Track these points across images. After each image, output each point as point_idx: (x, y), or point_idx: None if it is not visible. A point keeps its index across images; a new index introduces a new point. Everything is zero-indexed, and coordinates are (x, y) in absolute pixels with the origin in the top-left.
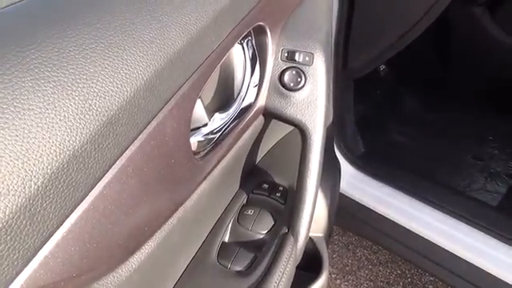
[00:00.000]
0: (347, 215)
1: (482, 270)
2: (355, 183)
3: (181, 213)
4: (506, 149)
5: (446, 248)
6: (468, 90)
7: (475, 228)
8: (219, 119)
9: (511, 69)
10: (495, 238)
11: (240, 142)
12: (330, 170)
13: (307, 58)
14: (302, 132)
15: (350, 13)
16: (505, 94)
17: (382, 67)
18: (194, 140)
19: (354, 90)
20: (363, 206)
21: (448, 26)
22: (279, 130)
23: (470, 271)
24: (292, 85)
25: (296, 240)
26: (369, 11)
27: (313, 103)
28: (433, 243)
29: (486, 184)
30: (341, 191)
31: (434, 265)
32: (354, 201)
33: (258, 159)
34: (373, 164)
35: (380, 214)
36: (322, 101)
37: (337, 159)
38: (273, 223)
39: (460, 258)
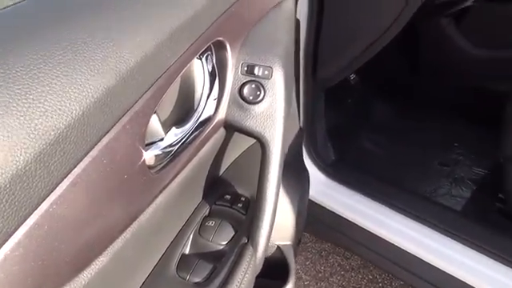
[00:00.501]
0: (318, 222)
1: (448, 274)
2: (326, 191)
3: (135, 227)
4: (470, 155)
5: (414, 253)
6: (435, 99)
7: (440, 233)
8: (176, 133)
9: (475, 78)
10: (460, 242)
11: (201, 155)
12: (298, 179)
13: (266, 72)
14: (261, 144)
15: (320, 23)
16: (469, 102)
17: (353, 76)
18: (151, 154)
19: (325, 99)
20: (334, 213)
21: (416, 35)
22: (243, 142)
23: (437, 276)
24: (251, 98)
25: (255, 250)
26: (337, 21)
27: (272, 116)
28: (401, 249)
29: (452, 189)
30: (312, 199)
31: (403, 270)
32: (325, 208)
33: (222, 171)
34: (343, 171)
35: (350, 221)
36: (281, 113)
37: (305, 168)
38: (233, 234)
39: (427, 262)
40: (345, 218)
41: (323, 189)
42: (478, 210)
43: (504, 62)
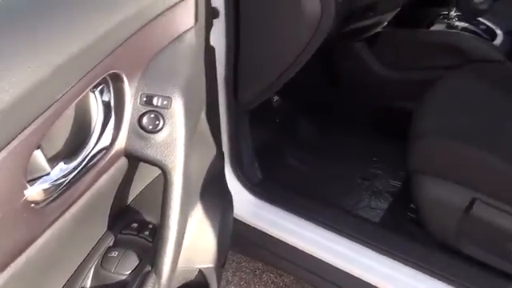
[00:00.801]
0: (248, 242)
1: (371, 285)
2: (254, 210)
3: (21, 262)
4: (387, 169)
5: (338, 266)
6: (355, 116)
7: (361, 244)
8: (65, 166)
9: (386, 98)
10: (379, 252)
11: (100, 185)
12: (219, 201)
13: (165, 102)
14: (163, 171)
15: (237, 49)
16: (385, 118)
17: (275, 98)
18: (37, 189)
19: (252, 120)
20: (262, 231)
21: (333, 58)
22: (153, 171)
23: (361, 286)
24: (151, 127)
25: (159, 277)
26: (253, 48)
27: (172, 144)
28: (326, 262)
29: (371, 202)
30: (240, 219)
31: (329, 283)
32: (254, 227)
33: (130, 199)
34: (270, 190)
35: (277, 238)
36: (182, 141)
37: (227, 190)
38: (137, 263)
39: (350, 274)
40: (272, 236)
41: (251, 208)
42: (394, 221)
43: (409, 83)
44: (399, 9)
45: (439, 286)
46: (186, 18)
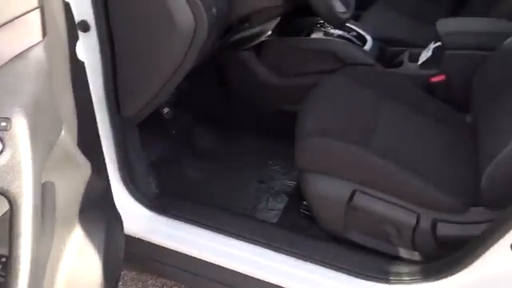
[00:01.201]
0: (150, 259)
1: (274, 285)
2: (153, 225)
3: None
4: (282, 170)
5: (241, 271)
6: (250, 123)
7: (261, 246)
8: None
9: (279, 102)
10: (280, 252)
11: None
12: (104, 224)
13: (4, 124)
14: (7, 199)
15: (113, 62)
16: (278, 123)
17: (166, 110)
18: None
19: (143, 133)
20: (163, 247)
21: (224, 67)
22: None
23: None
24: None
25: None
26: (129, 61)
27: (16, 168)
28: (229, 269)
29: (269, 203)
30: (138, 236)
31: None
32: (154, 244)
33: None
34: (167, 203)
35: (179, 252)
36: (28, 164)
37: (113, 209)
38: None
39: (255, 278)
40: (174, 250)
41: (149, 223)
42: (290, 219)
43: (295, 88)
44: (279, 18)
45: (335, 276)
46: (29, 33)
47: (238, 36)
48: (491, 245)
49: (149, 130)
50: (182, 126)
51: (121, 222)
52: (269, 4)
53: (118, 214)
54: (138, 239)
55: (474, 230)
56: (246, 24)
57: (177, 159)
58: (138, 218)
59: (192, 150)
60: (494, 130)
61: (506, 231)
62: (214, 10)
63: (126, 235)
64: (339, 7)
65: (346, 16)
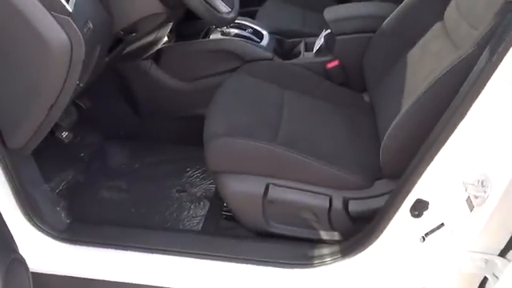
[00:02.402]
0: None
1: None
2: (65, 257)
3: None
4: (202, 175)
5: (169, 286)
6: (162, 132)
7: (187, 256)
8: None
9: (187, 107)
10: (204, 258)
11: None
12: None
13: None
14: None
15: None
16: (189, 128)
17: (64, 133)
18: None
19: (44, 162)
20: (79, 278)
21: (127, 80)
22: None
23: None
24: None
25: None
26: (5, 91)
27: None
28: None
29: (191, 211)
30: (50, 272)
31: None
32: (68, 276)
33: None
34: (82, 231)
35: (97, 280)
36: None
37: (12, 252)
38: None
39: None
40: (93, 279)
41: (62, 256)
42: (214, 224)
43: (201, 91)
44: (172, 24)
45: (263, 271)
46: None
47: (132, 46)
48: (393, 213)
49: (53, 156)
50: (91, 146)
51: (23, 262)
52: (149, 13)
53: (19, 255)
54: (51, 275)
55: (382, 202)
56: (133, 34)
57: (89, 182)
58: (47, 253)
59: (105, 169)
60: (385, 104)
61: (403, 199)
62: (90, 25)
63: (36, 273)
64: (223, 8)
65: (231, 16)
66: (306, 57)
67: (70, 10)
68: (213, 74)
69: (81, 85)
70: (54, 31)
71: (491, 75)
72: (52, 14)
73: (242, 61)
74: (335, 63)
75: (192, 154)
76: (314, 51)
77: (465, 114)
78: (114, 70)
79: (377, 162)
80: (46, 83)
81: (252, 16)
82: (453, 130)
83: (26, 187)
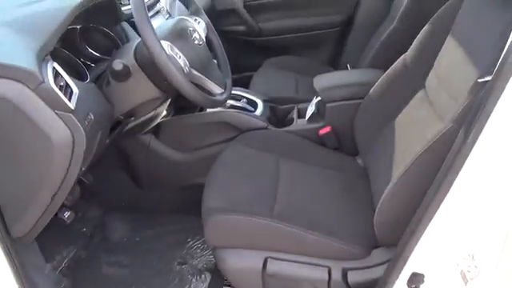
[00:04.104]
0: None
1: None
2: None
3: None
4: (203, 245)
5: None
6: (163, 203)
7: None
8: None
9: (188, 178)
10: None
11: None
12: None
13: None
14: None
15: None
16: (190, 198)
17: (66, 214)
18: None
19: (48, 243)
20: None
21: (127, 155)
22: None
23: None
24: None
25: None
26: (11, 182)
27: None
28: None
29: (192, 284)
30: None
31: None
32: None
33: None
34: None
35: None
36: None
37: None
38: None
39: None
40: None
41: None
42: None
43: (201, 161)
44: (170, 100)
45: None
46: None
47: (130, 125)
48: (391, 287)
49: (55, 233)
50: (93, 220)
51: None
52: (147, 98)
53: None
54: None
55: (381, 271)
56: (132, 118)
57: (92, 258)
58: None
59: (106, 244)
60: (377, 169)
61: (399, 272)
62: (92, 116)
63: None
64: (216, 89)
65: (224, 97)
66: (299, 124)
67: (73, 108)
68: (211, 145)
69: (83, 169)
70: (57, 128)
71: (468, 153)
72: (56, 113)
73: (239, 130)
74: (327, 129)
75: (192, 223)
76: (307, 118)
77: (447, 190)
78: (115, 145)
79: (373, 230)
80: (48, 175)
81: (247, 81)
82: (438, 206)
83: (28, 272)
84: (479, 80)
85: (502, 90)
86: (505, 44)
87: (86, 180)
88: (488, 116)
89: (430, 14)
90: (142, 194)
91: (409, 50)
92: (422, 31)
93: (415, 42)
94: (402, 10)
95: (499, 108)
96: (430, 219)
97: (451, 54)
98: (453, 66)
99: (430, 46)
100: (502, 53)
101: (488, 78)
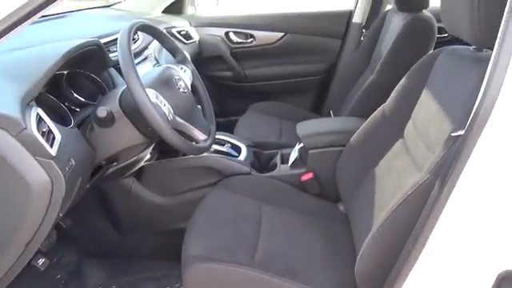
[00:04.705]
0: None
1: None
2: None
3: None
4: None
5: None
6: (144, 248)
7: None
8: None
9: (169, 222)
10: None
11: None
12: None
13: None
14: None
15: None
16: (171, 243)
17: (40, 261)
18: None
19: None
20: None
21: (108, 199)
22: None
23: None
24: None
25: None
26: None
27: None
28: None
29: None
30: None
31: None
32: None
33: None
34: None
35: None
36: None
37: None
38: None
39: None
40: None
41: None
42: None
43: (183, 205)
44: (154, 144)
45: None
46: None
47: (112, 170)
48: None
49: (28, 282)
50: (68, 266)
51: None
52: (131, 144)
53: None
54: None
55: None
56: (114, 163)
57: None
58: None
59: None
60: (358, 216)
61: None
62: (73, 162)
63: None
64: (200, 136)
65: (208, 143)
66: (282, 169)
67: (54, 154)
68: (193, 189)
69: (61, 215)
70: (36, 175)
71: (444, 205)
72: (36, 159)
73: (222, 175)
74: (309, 175)
75: (173, 270)
76: (290, 164)
77: (425, 241)
78: (95, 188)
79: (354, 279)
80: (23, 222)
81: (232, 125)
82: (417, 257)
83: None
84: (453, 134)
85: (475, 144)
86: (475, 101)
87: (63, 224)
88: (462, 169)
89: (407, 66)
90: (121, 238)
91: (387, 101)
92: (400, 83)
93: (393, 93)
94: (381, 61)
95: (472, 161)
96: (410, 269)
97: (427, 107)
98: (429, 118)
99: (407, 98)
100: (473, 109)
101: (461, 133)
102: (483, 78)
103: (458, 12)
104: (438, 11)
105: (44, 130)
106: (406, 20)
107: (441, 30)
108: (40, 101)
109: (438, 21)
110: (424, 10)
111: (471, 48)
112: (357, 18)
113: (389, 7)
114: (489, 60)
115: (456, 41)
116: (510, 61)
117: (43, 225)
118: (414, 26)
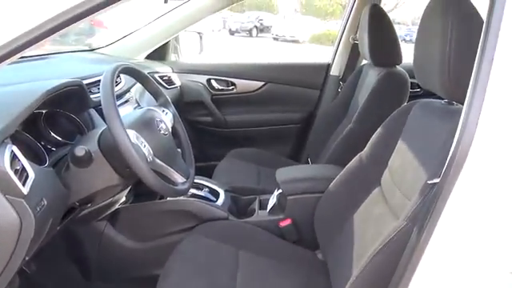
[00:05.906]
0: None
1: None
2: None
3: None
4: None
5: None
6: None
7: None
8: None
9: (142, 268)
10: None
11: None
12: None
13: None
14: None
15: None
16: None
17: None
18: None
19: None
20: None
21: (79, 243)
22: None
23: None
24: None
25: None
26: None
27: None
28: None
29: None
30: None
31: None
32: None
33: None
34: None
35: None
36: None
37: None
38: None
39: None
40: None
41: None
42: None
43: (157, 250)
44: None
45: None
46: None
47: (85, 211)
48: None
49: None
50: None
51: None
52: (107, 185)
53: None
54: None
55: None
56: (89, 205)
57: None
58: None
59: None
60: (337, 264)
61: None
62: (45, 202)
63: None
64: (178, 179)
65: (186, 186)
66: (260, 215)
67: (25, 193)
68: (169, 234)
69: (27, 258)
70: (4, 213)
71: (423, 252)
72: (6, 198)
73: (199, 220)
74: (287, 222)
75: None
76: (268, 210)
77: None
78: (65, 230)
79: None
80: None
81: (211, 170)
82: None
83: None
84: (428, 182)
85: (450, 191)
86: (449, 150)
87: (27, 269)
88: (439, 216)
89: (383, 117)
90: (89, 286)
91: (365, 149)
92: (377, 132)
93: (370, 142)
94: (358, 111)
95: (448, 208)
96: None
97: (403, 155)
98: (405, 166)
99: (383, 146)
100: (447, 158)
101: (436, 181)
102: (455, 130)
103: (429, 68)
104: (411, 67)
105: (17, 167)
106: (380, 74)
107: (413, 86)
108: (15, 138)
109: (412, 77)
110: (397, 66)
111: (443, 101)
112: (335, 71)
113: (364, 62)
114: (460, 112)
115: (429, 95)
116: (481, 114)
117: (7, 268)
118: (388, 79)
